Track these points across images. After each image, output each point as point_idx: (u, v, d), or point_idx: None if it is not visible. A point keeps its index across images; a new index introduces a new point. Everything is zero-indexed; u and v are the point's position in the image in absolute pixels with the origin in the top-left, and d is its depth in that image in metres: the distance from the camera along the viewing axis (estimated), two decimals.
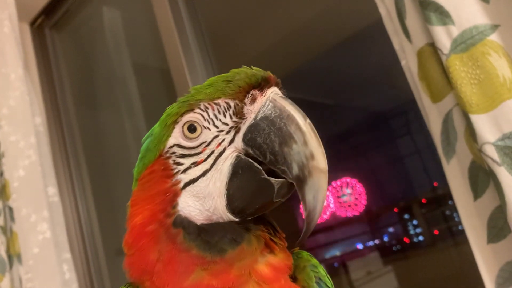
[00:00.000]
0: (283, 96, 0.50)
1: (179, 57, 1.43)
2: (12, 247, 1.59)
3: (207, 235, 0.46)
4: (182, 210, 0.48)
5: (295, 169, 0.45)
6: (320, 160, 0.45)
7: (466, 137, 0.85)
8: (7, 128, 1.63)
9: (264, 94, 0.48)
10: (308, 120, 0.47)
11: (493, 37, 0.79)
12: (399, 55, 0.99)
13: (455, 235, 3.08)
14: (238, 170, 0.47)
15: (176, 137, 0.50)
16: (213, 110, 0.49)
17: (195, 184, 0.48)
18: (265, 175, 0.46)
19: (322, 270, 0.53)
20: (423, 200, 3.28)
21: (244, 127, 0.48)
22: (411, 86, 0.97)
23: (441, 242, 3.15)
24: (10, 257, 1.57)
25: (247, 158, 0.48)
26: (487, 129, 0.78)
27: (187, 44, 1.46)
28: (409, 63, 0.95)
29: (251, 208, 0.47)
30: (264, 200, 0.47)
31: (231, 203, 0.47)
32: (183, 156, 0.49)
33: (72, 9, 1.89)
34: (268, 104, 0.48)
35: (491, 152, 0.77)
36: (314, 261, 0.53)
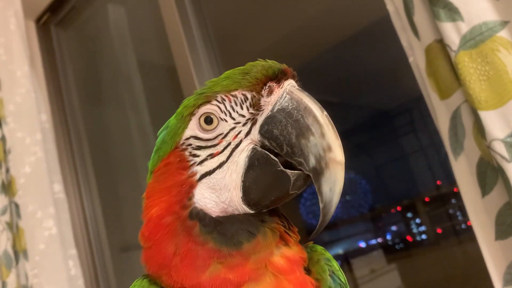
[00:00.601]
0: (300, 88, 0.50)
1: (185, 54, 1.43)
2: (18, 243, 1.60)
3: (223, 228, 0.46)
4: (198, 202, 0.48)
5: (312, 161, 0.45)
6: (338, 152, 0.45)
7: (474, 134, 0.85)
8: (13, 124, 1.64)
9: (281, 86, 0.48)
10: (325, 112, 0.47)
11: (503, 34, 0.79)
12: (407, 52, 0.99)
13: (458, 233, 3.07)
14: (254, 162, 0.47)
15: (193, 128, 0.50)
16: (230, 102, 0.49)
17: (211, 176, 0.48)
18: (281, 167, 0.47)
19: (335, 264, 0.53)
20: (427, 199, 3.28)
21: (261, 119, 0.48)
22: (418, 83, 0.97)
23: (444, 240, 3.15)
24: (16, 253, 1.58)
25: (263, 150, 0.48)
26: (496, 125, 0.78)
27: (193, 41, 1.46)
28: (417, 59, 0.95)
29: (266, 200, 0.47)
30: (280, 192, 0.47)
31: (247, 195, 0.47)
32: (199, 148, 0.49)
33: (78, 6, 1.89)
34: (285, 96, 0.48)
35: (500, 148, 0.77)
36: (328, 255, 0.53)
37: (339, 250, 3.13)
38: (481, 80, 0.79)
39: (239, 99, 0.49)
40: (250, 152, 0.48)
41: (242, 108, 0.49)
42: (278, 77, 0.49)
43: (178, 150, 0.50)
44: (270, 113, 0.48)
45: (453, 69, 0.84)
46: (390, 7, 0.99)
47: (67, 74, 1.90)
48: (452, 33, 0.81)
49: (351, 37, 2.55)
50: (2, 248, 1.55)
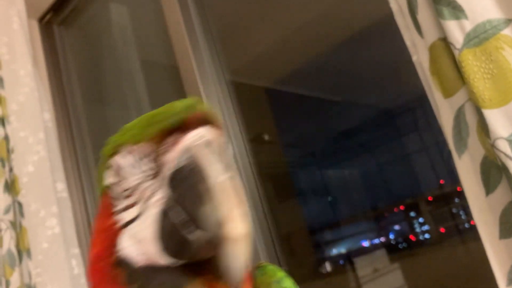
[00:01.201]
0: (210, 138, 0.44)
1: (188, 53, 1.43)
2: (21, 242, 1.60)
3: (147, 280, 0.44)
4: (122, 250, 0.46)
5: (210, 233, 0.40)
6: (236, 226, 0.40)
7: (478, 132, 0.84)
8: (16, 124, 1.64)
9: (183, 140, 0.43)
10: (230, 174, 0.42)
11: (507, 32, 0.78)
12: (410, 51, 0.98)
13: (462, 232, 3.07)
14: (162, 220, 0.44)
15: (109, 177, 0.48)
16: (136, 154, 0.46)
17: (132, 226, 0.46)
18: (183, 232, 0.42)
19: (288, 284, 0.50)
20: (430, 198, 3.27)
21: (166, 175, 0.44)
22: (422, 82, 0.97)
23: (448, 239, 3.14)
24: (19, 252, 1.59)
25: (167, 210, 0.44)
26: (500, 124, 0.77)
27: (196, 40, 1.46)
28: (420, 58, 0.94)
29: (183, 255, 0.44)
30: (189, 253, 0.43)
31: (165, 249, 0.44)
32: (118, 197, 0.47)
33: (80, 5, 1.90)
34: (184, 154, 0.42)
35: (504, 147, 0.77)
36: (280, 274, 0.50)
37: (342, 249, 3.13)
38: (485, 79, 0.78)
39: (142, 152, 0.45)
40: (159, 209, 0.45)
41: (146, 162, 0.46)
42: (184, 127, 0.43)
43: (106, 193, 0.49)
44: (172, 171, 0.43)
45: (457, 67, 0.84)
46: (393, 6, 0.99)
47: (70, 73, 1.90)
48: (456, 31, 0.80)
49: (355, 35, 2.55)
50: (5, 247, 1.56)
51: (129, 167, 0.46)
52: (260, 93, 2.54)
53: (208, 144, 0.43)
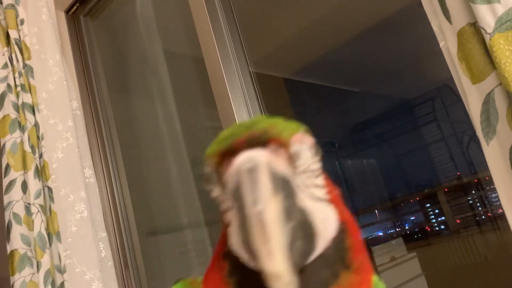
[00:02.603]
0: (255, 163, 0.39)
1: (213, 45, 1.45)
2: (51, 225, 1.66)
3: (242, 277, 0.43)
4: (231, 244, 0.44)
5: (254, 263, 0.37)
6: (271, 262, 0.35)
7: (508, 118, 0.85)
8: (46, 111, 1.70)
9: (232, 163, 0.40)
10: (274, 201, 0.37)
11: None
12: (437, 37, 0.99)
13: (478, 223, 3.06)
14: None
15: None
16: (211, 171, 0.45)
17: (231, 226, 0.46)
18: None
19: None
20: (446, 189, 3.26)
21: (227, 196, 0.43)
22: (449, 68, 0.97)
23: (464, 230, 3.13)
24: (49, 235, 1.64)
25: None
26: None
27: (221, 31, 1.48)
28: (448, 44, 0.95)
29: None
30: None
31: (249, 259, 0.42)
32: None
33: None
34: (231, 178, 0.40)
35: None
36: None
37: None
38: None
39: (209, 171, 0.45)
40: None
41: (214, 181, 0.45)
42: (237, 149, 0.41)
43: None
44: (227, 193, 0.42)
45: (487, 52, 0.85)
46: None
47: (96, 63, 1.95)
48: (488, 16, 0.81)
49: (374, 26, 2.54)
50: (36, 230, 1.61)
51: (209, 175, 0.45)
52: (279, 84, 2.56)
53: (251, 169, 0.39)
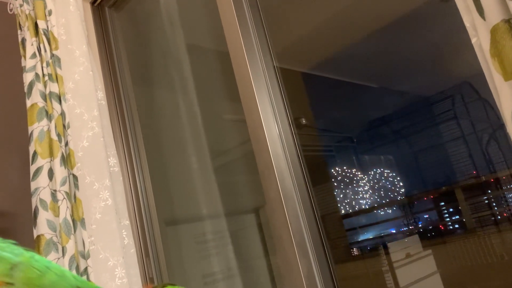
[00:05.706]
0: None
1: (238, 38, 1.47)
2: (76, 212, 1.70)
3: None
4: None
5: None
6: None
7: None
8: (72, 101, 1.73)
9: None
10: None
11: None
12: (469, 33, 0.99)
13: (495, 223, 3.04)
14: None
15: None
16: None
17: None
18: None
19: None
20: (464, 187, 3.24)
21: None
22: (481, 65, 0.97)
23: (479, 229, 3.11)
24: (74, 222, 1.69)
25: None
26: None
27: (246, 25, 1.49)
28: (480, 40, 0.95)
29: None
30: None
31: None
32: None
33: None
34: None
35: None
36: None
37: (371, 235, 3.15)
38: None
39: None
40: None
41: None
42: None
43: None
44: None
45: None
46: None
47: (120, 55, 1.98)
48: None
49: (394, 22, 2.52)
50: (62, 216, 1.66)
51: None
52: (297, 78, 2.57)
53: None
